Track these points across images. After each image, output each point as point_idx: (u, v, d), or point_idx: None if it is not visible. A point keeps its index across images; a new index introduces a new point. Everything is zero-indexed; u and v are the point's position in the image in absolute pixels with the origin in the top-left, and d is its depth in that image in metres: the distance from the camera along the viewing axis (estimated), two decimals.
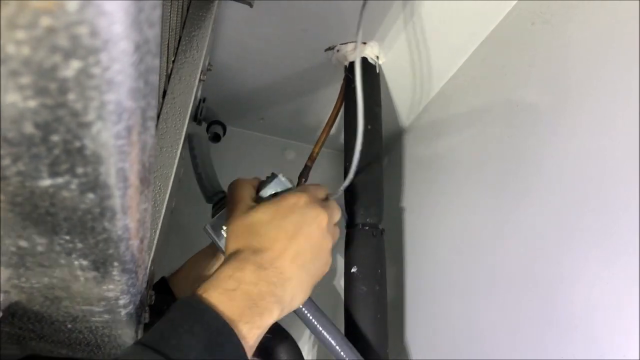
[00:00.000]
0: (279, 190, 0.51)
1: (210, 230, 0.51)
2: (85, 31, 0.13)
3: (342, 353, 0.47)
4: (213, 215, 0.52)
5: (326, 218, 0.46)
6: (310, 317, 0.49)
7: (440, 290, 0.64)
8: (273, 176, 0.53)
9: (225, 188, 0.56)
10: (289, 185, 0.52)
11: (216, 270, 0.42)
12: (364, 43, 0.72)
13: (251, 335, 0.38)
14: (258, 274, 0.41)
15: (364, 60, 0.72)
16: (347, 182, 0.48)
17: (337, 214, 0.50)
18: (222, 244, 0.50)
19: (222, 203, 0.52)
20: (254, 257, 0.42)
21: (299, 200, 0.46)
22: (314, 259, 0.45)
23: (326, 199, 0.50)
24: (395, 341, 0.70)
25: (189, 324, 0.35)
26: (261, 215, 0.45)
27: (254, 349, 0.39)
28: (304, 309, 0.48)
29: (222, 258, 0.53)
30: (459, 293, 0.60)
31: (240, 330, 0.37)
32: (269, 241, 0.43)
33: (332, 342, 0.48)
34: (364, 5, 0.51)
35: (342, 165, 0.70)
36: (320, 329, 0.49)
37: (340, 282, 0.88)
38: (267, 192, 0.51)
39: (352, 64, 0.72)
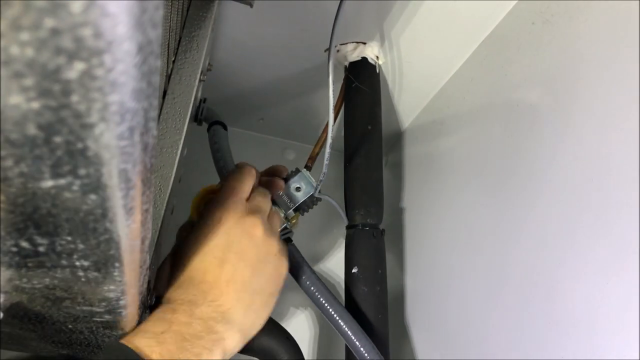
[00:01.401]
0: (302, 185, 0.53)
1: None
2: (89, 33, 0.13)
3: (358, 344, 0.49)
4: None
5: (256, 224, 0.42)
6: (328, 307, 0.50)
7: (441, 291, 0.64)
8: (297, 171, 0.54)
9: None
10: (312, 180, 0.53)
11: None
12: (364, 43, 0.72)
13: None
14: (191, 312, 0.37)
15: (364, 60, 0.72)
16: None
17: (267, 205, 0.46)
18: None
19: None
20: (185, 296, 0.38)
21: (220, 217, 0.41)
22: (257, 273, 0.41)
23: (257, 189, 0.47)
24: (395, 341, 0.70)
25: None
26: (187, 246, 0.42)
27: None
28: (325, 303, 0.50)
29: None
30: (459, 293, 0.60)
31: None
32: (198, 273, 0.40)
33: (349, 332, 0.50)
34: (340, 6, 0.51)
35: (342, 165, 0.70)
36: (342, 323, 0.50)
37: (341, 283, 0.88)
38: (290, 186, 0.53)
39: (352, 64, 0.72)
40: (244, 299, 0.40)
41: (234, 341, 0.38)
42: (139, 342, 0.34)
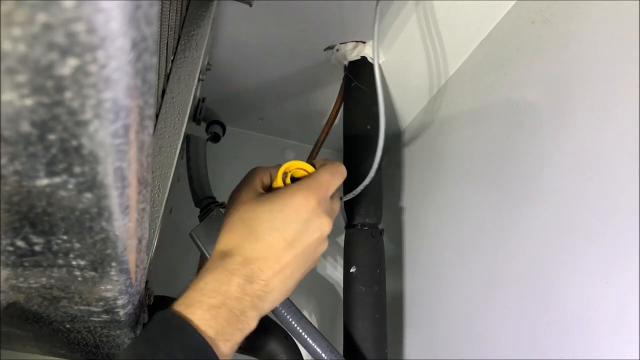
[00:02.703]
0: None
1: (195, 237, 0.49)
2: (82, 28, 0.12)
3: (318, 350, 0.47)
4: (200, 220, 0.50)
5: (330, 227, 0.43)
6: (286, 314, 0.48)
7: (439, 290, 0.64)
8: None
9: (220, 190, 0.55)
10: None
11: (201, 279, 0.39)
12: (363, 42, 0.72)
13: (228, 350, 0.38)
14: (244, 288, 0.39)
15: (364, 59, 0.72)
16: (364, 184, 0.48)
17: (337, 209, 0.48)
18: (206, 251, 0.48)
19: (210, 208, 0.51)
20: (243, 269, 0.39)
21: (307, 203, 0.42)
22: (304, 267, 0.43)
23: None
24: (394, 341, 0.70)
25: (169, 344, 0.34)
26: (262, 212, 0.42)
27: None
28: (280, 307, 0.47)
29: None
30: (458, 293, 0.59)
31: (220, 348, 0.36)
32: (263, 247, 0.40)
33: (308, 338, 0.47)
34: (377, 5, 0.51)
35: None
36: (296, 325, 0.48)
37: (339, 282, 0.87)
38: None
39: (351, 63, 0.72)
40: (287, 284, 0.42)
41: (258, 319, 0.41)
42: (195, 313, 0.36)
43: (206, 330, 0.36)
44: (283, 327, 0.48)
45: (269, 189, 0.46)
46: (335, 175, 0.46)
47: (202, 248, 0.49)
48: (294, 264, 0.42)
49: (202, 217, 0.50)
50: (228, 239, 0.42)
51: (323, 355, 0.46)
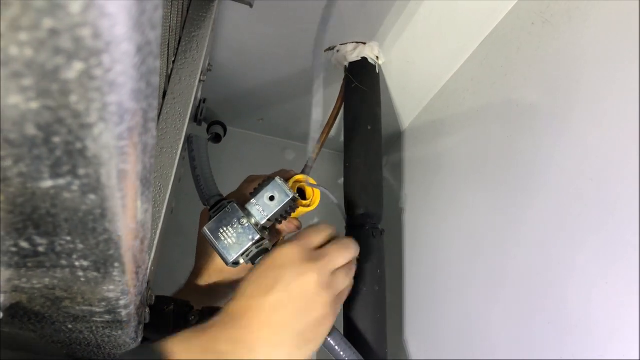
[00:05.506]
0: (276, 194, 0.50)
1: (209, 234, 0.50)
2: (88, 33, 0.13)
3: (341, 353, 0.47)
4: (210, 219, 0.50)
5: (313, 275, 0.43)
6: None
7: (440, 291, 0.64)
8: (270, 180, 0.51)
9: (222, 190, 0.56)
10: (287, 189, 0.51)
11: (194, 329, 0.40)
12: (364, 43, 0.72)
13: None
14: (218, 336, 0.40)
15: (364, 60, 0.72)
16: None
17: (338, 260, 0.46)
18: (220, 247, 0.49)
19: (220, 206, 0.51)
20: (224, 318, 0.41)
21: (284, 254, 0.44)
22: (300, 315, 0.42)
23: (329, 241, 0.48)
24: (394, 341, 0.70)
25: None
26: (249, 275, 0.45)
27: None
28: None
29: (221, 265, 0.53)
30: (458, 293, 0.60)
31: None
32: (245, 299, 0.42)
33: (331, 341, 0.48)
34: None
35: (342, 166, 0.70)
36: None
37: None
38: (264, 195, 0.50)
39: (352, 64, 0.72)
40: (277, 334, 0.41)
41: None
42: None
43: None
44: None
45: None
46: (317, 231, 0.48)
47: (215, 244, 0.49)
48: (281, 310, 0.42)
49: (214, 214, 0.51)
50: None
51: (342, 354, 0.46)
